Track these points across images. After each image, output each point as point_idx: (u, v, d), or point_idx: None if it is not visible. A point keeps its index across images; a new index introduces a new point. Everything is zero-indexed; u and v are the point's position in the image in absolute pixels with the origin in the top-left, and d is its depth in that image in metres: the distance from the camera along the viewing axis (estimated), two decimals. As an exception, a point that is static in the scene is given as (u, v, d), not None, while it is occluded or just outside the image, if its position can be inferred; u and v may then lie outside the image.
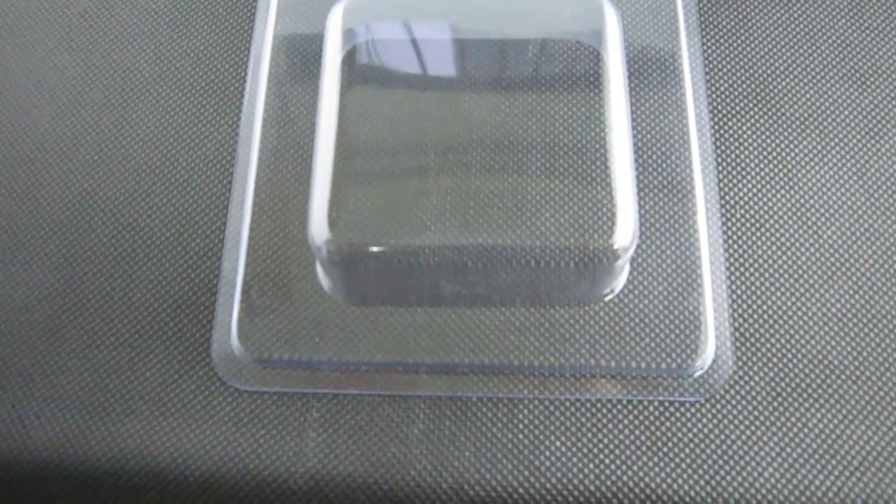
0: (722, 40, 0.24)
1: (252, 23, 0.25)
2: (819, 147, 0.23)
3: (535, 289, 0.19)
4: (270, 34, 0.24)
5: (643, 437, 0.20)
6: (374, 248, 0.18)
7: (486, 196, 0.18)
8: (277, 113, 0.23)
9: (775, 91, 0.24)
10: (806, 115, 0.23)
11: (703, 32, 0.24)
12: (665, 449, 0.20)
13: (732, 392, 0.21)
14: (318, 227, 0.18)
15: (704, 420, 0.20)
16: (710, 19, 0.25)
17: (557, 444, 0.20)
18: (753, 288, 0.22)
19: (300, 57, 0.23)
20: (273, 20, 0.24)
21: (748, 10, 0.25)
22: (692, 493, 0.20)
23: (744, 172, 0.23)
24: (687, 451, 0.20)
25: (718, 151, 0.23)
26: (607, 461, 0.20)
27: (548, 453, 0.20)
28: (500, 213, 0.18)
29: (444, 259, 0.18)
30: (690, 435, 0.20)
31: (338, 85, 0.20)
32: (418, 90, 0.21)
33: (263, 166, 0.23)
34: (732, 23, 0.25)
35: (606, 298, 0.20)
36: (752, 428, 0.20)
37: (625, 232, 0.18)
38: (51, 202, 0.24)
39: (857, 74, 0.24)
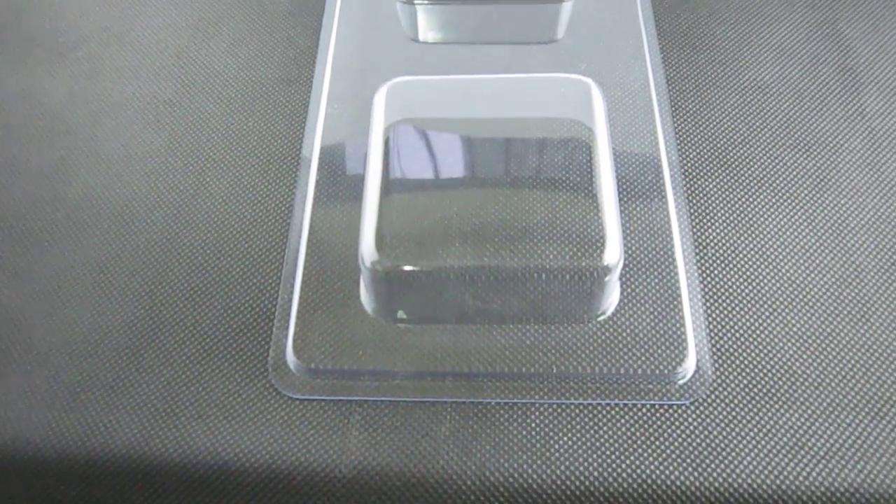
0: (690, 117, 0.30)
1: (306, 105, 0.31)
2: (773, 200, 0.28)
3: (541, 302, 0.23)
4: (322, 114, 0.30)
5: (638, 435, 0.24)
6: (410, 268, 0.23)
7: (500, 228, 0.23)
8: (327, 176, 0.29)
9: (736, 156, 0.29)
10: (762, 174, 0.29)
11: (674, 111, 0.30)
12: (657, 444, 0.24)
13: (713, 397, 0.24)
14: (368, 251, 0.23)
15: (689, 420, 0.24)
16: (680, 101, 0.31)
17: (564, 440, 0.24)
18: (726, 312, 0.26)
19: (347, 130, 0.29)
20: (324, 103, 0.30)
21: (710, 93, 0.31)
22: (680, 481, 0.23)
23: (713, 220, 0.28)
24: (675, 445, 0.24)
25: (691, 203, 0.28)
26: (607, 454, 0.23)
27: (556, 447, 0.24)
28: (512, 241, 0.23)
29: (465, 277, 0.23)
30: (678, 433, 0.24)
31: (382, 150, 0.26)
32: (446, 154, 0.26)
33: (316, 218, 0.28)
34: (698, 104, 0.31)
35: (601, 318, 0.25)
36: (731, 426, 0.24)
37: (612, 253, 0.23)
38: (135, 248, 0.29)
39: (801, 143, 0.29)
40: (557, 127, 0.27)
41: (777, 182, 0.29)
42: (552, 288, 0.23)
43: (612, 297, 0.24)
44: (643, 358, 0.24)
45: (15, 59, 0.35)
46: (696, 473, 0.23)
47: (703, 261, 0.27)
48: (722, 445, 0.24)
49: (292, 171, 0.30)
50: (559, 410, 0.24)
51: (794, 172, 0.29)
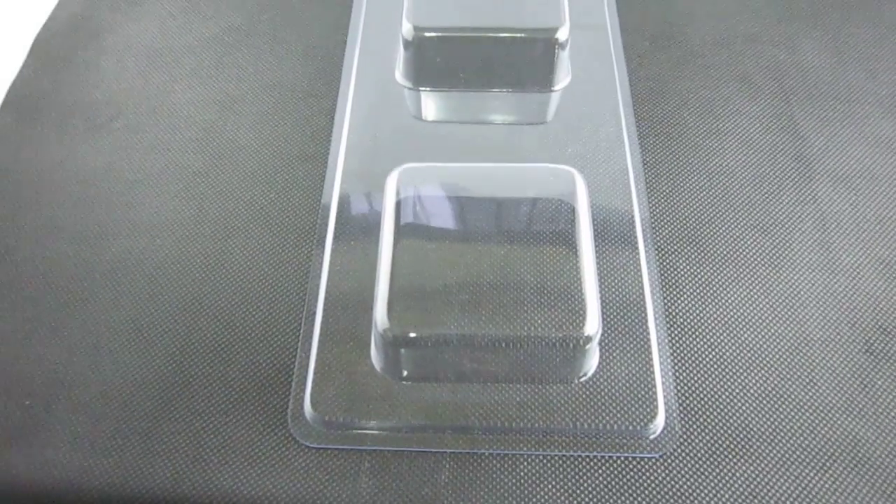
0: (664, 198, 0.35)
1: (322, 182, 0.35)
2: (735, 275, 0.32)
3: (530, 365, 0.27)
4: (337, 189, 0.34)
5: (613, 484, 0.27)
6: (416, 334, 0.27)
7: (494, 299, 0.27)
8: (340, 245, 0.33)
9: (703, 234, 0.34)
10: (725, 252, 0.33)
11: (649, 192, 0.35)
12: (630, 493, 0.27)
13: (680, 451, 0.28)
14: (381, 319, 0.27)
15: (659, 471, 0.28)
16: (655, 184, 0.35)
17: (549, 487, 0.27)
18: (693, 374, 0.30)
19: (359, 204, 0.33)
20: (339, 179, 0.35)
21: (682, 177, 0.35)
22: (651, 526, 0.26)
23: (682, 292, 0.32)
24: (645, 494, 0.27)
25: (663, 277, 0.32)
26: (586, 501, 0.27)
27: (542, 494, 0.27)
28: (504, 311, 0.27)
29: (464, 343, 0.27)
30: (648, 483, 0.27)
31: (393, 227, 0.30)
32: (448, 232, 0.30)
33: (331, 283, 0.32)
34: (671, 187, 0.35)
35: (582, 379, 0.29)
36: (695, 477, 0.27)
37: (592, 324, 0.27)
38: (167, 308, 0.32)
39: (760, 224, 0.34)
40: (545, 209, 0.31)
41: (738, 259, 0.33)
42: (539, 353, 0.27)
43: (592, 361, 0.28)
44: (619, 415, 0.28)
45: (57, 129, 0.39)
46: (664, 519, 0.27)
47: (672, 329, 0.31)
48: (686, 495, 0.27)
49: (309, 240, 0.34)
50: (544, 461, 0.28)
51: (754, 250, 0.33)
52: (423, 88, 0.37)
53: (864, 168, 0.36)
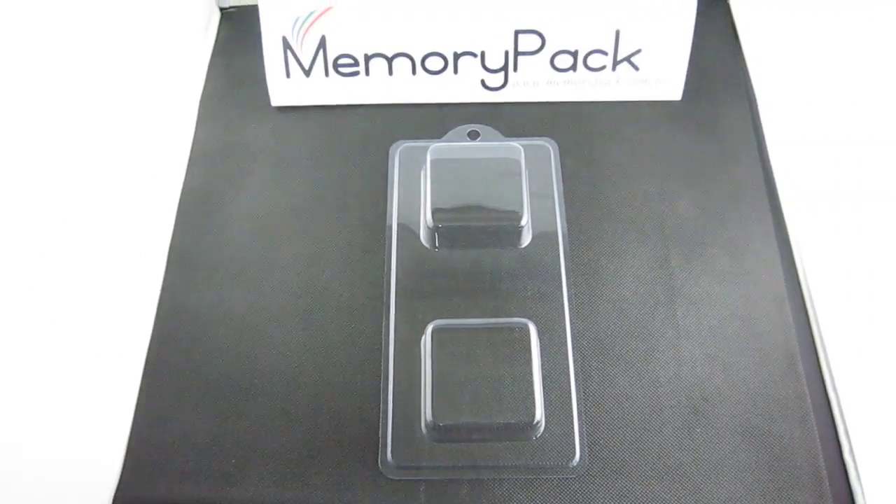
0: (584, 320, 0.63)
1: (381, 314, 0.63)
2: (623, 368, 0.61)
3: (509, 433, 0.57)
4: (392, 330, 0.62)
5: (552, 491, 0.57)
6: (444, 424, 0.56)
7: (487, 402, 0.56)
8: (398, 367, 0.61)
9: (607, 344, 0.63)
10: (618, 354, 0.62)
11: (578, 316, 0.63)
12: (560, 495, 0.57)
13: (586, 473, 0.58)
14: (428, 413, 0.56)
15: (575, 484, 0.57)
16: (579, 310, 0.63)
17: (520, 495, 0.57)
18: (595, 430, 0.59)
19: (409, 343, 0.62)
20: (393, 321, 0.63)
21: (596, 305, 0.64)
22: (570, 513, 0.56)
23: (593, 381, 0.61)
24: (568, 496, 0.57)
25: (583, 373, 0.61)
26: (539, 500, 0.57)
27: (516, 500, 0.57)
28: (493, 408, 0.56)
29: (473, 426, 0.56)
30: (569, 490, 0.57)
31: (431, 362, 0.58)
32: (462, 363, 0.59)
33: (395, 386, 0.60)
34: (589, 311, 0.64)
35: (536, 437, 0.58)
36: (594, 487, 0.57)
37: (539, 413, 0.56)
38: (300, 400, 0.61)
39: (640, 335, 0.63)
40: (510, 351, 0.60)
41: (625, 358, 0.62)
42: (511, 428, 0.56)
43: (540, 428, 0.58)
44: (555, 456, 0.58)
45: (207, 280, 0.66)
46: (576, 509, 0.57)
47: (586, 403, 0.60)
48: (590, 497, 0.57)
49: (378, 357, 0.62)
50: (516, 482, 0.58)
51: (635, 353, 0.62)
52: (439, 248, 0.65)
53: (707, 294, 0.64)
